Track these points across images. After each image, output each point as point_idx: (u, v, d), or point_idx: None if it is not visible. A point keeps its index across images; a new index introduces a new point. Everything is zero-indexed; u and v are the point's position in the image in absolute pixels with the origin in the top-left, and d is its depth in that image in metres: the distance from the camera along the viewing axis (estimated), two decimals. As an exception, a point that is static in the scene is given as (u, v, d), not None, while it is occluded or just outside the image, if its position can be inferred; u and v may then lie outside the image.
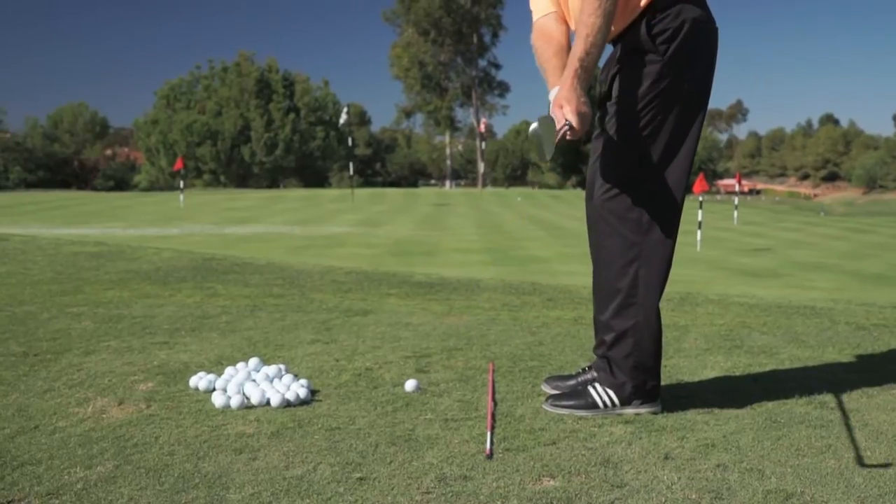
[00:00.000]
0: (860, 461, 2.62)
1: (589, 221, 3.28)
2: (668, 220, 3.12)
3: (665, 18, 3.02)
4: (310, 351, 4.24)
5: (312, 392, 3.39)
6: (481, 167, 78.45)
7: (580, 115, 2.90)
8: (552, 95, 3.01)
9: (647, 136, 3.06)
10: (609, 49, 3.21)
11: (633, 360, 3.15)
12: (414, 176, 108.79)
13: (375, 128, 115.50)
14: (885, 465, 2.58)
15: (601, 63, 3.20)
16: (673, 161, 3.10)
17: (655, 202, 3.10)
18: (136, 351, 4.19)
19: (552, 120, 2.84)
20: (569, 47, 3.19)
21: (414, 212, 29.15)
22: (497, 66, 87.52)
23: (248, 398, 3.22)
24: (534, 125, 2.82)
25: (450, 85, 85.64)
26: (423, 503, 2.27)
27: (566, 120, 2.84)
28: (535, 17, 3.37)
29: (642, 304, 3.13)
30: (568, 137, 2.99)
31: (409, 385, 3.45)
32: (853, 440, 2.83)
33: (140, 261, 8.69)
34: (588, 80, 2.94)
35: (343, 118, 37.16)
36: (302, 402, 3.24)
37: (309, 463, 2.56)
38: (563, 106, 2.85)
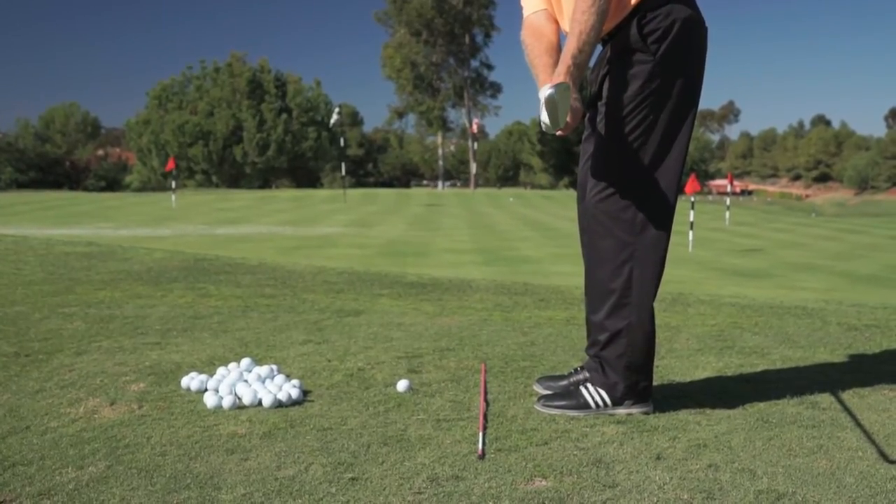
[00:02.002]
0: (886, 458, 2.64)
1: (581, 222, 3.28)
2: (661, 220, 3.12)
3: (656, 18, 3.02)
4: (302, 351, 4.24)
5: (304, 392, 3.39)
6: (473, 168, 78.35)
7: (572, 110, 2.91)
8: (542, 93, 3.01)
9: (639, 137, 3.06)
10: (598, 49, 3.21)
11: (625, 360, 3.15)
12: (406, 176, 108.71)
13: (367, 128, 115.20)
14: (876, 465, 2.59)
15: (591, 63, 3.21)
16: (665, 161, 3.10)
17: (648, 202, 3.10)
18: (128, 351, 4.18)
19: (568, 88, 2.83)
20: (559, 46, 3.20)
21: (406, 212, 29.13)
22: (489, 67, 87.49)
23: (239, 398, 3.21)
24: (549, 91, 2.79)
25: (442, 85, 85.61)
26: (415, 503, 2.27)
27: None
28: (525, 12, 3.37)
29: (636, 304, 3.13)
30: (558, 134, 3.00)
31: (401, 385, 3.45)
32: (874, 442, 2.84)
33: (132, 261, 8.68)
34: (580, 77, 2.94)
35: (334, 118, 37.06)
36: (294, 403, 3.24)
37: (301, 463, 2.56)
38: None
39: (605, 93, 3.15)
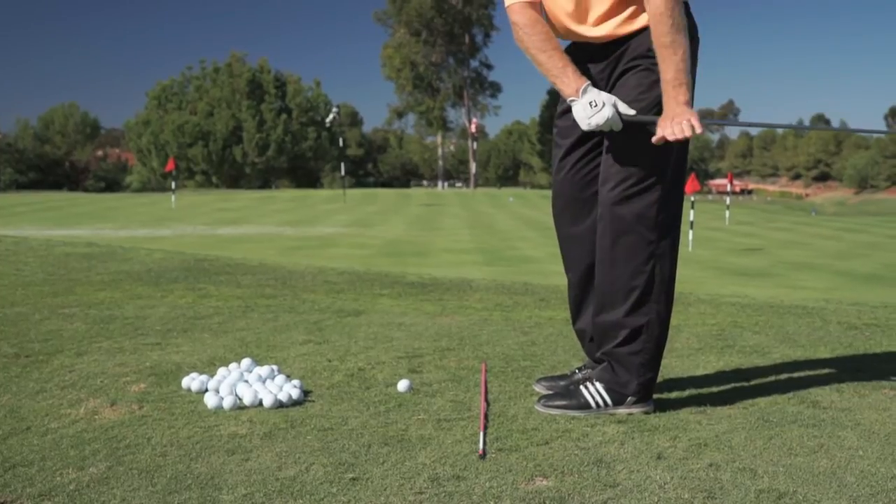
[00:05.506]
0: None
1: (565, 207, 3.37)
2: (676, 217, 3.22)
3: None
4: (302, 351, 4.24)
5: (305, 393, 3.38)
6: (473, 167, 78.34)
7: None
8: (587, 99, 3.08)
9: (651, 137, 3.09)
10: (604, 53, 3.24)
11: (641, 357, 3.17)
12: (406, 176, 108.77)
13: (367, 128, 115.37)
14: (877, 464, 2.59)
15: (598, 66, 3.25)
16: (675, 159, 3.18)
17: (663, 201, 3.15)
18: (129, 352, 4.18)
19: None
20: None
21: (406, 212, 29.12)
22: (489, 67, 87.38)
23: (240, 399, 3.21)
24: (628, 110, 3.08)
25: (441, 85, 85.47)
26: (416, 503, 2.27)
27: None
28: (507, 1, 3.41)
29: (656, 301, 3.18)
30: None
31: (402, 385, 3.45)
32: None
33: (132, 262, 8.68)
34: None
35: (331, 116, 37.11)
36: (294, 403, 3.24)
37: (302, 463, 2.56)
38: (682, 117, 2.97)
39: (616, 95, 3.18)
